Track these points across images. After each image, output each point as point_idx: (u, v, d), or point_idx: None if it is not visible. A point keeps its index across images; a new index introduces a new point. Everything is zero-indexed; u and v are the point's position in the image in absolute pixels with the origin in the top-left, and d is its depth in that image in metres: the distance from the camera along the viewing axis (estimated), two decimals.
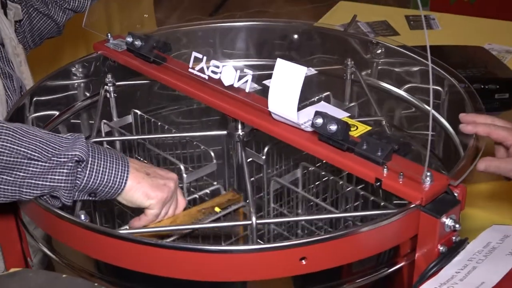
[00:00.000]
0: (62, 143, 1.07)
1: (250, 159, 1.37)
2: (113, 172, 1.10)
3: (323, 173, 1.31)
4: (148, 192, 1.11)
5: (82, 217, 1.02)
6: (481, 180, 1.52)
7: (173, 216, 1.16)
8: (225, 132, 1.33)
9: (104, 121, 1.45)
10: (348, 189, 1.31)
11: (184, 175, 1.28)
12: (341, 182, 1.30)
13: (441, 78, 1.40)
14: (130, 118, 1.50)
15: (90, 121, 1.50)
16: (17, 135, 1.04)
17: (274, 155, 1.43)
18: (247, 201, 1.15)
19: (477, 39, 2.10)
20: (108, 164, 1.10)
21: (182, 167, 1.29)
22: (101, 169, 1.09)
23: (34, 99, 1.39)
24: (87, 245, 1.01)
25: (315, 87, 1.56)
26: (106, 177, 1.09)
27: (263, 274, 0.96)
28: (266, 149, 1.35)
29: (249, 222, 1.06)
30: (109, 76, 1.46)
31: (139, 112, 1.48)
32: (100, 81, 1.50)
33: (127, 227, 1.16)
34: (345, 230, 0.99)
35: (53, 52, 2.33)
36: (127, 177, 1.10)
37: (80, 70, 1.51)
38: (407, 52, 1.49)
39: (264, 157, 1.34)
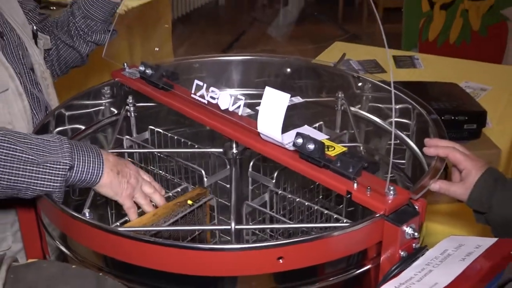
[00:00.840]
0: (51, 146, 1.13)
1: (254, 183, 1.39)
2: (89, 173, 1.16)
3: (288, 196, 1.33)
4: (116, 190, 1.19)
5: (87, 214, 1.08)
6: (442, 201, 1.55)
7: (154, 210, 1.22)
8: (221, 150, 1.35)
9: (127, 136, 1.50)
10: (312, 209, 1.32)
11: (205, 179, 1.33)
12: (306, 203, 1.30)
13: (413, 109, 1.42)
14: (147, 134, 1.53)
15: (117, 135, 1.52)
16: (14, 138, 1.10)
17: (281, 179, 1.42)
18: (230, 210, 1.20)
19: (456, 78, 2.11)
20: (87, 165, 1.16)
21: (203, 172, 1.34)
22: (80, 169, 1.15)
23: (59, 116, 1.41)
24: (93, 241, 1.04)
25: (310, 116, 1.56)
26: (83, 176, 1.15)
27: (245, 270, 0.98)
28: (275, 174, 1.35)
29: (229, 227, 1.10)
30: (130, 97, 1.51)
31: (155, 129, 1.51)
32: (120, 103, 1.54)
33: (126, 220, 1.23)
34: (318, 234, 1.00)
35: (82, 79, 2.37)
36: (100, 176, 1.17)
37: (104, 92, 1.54)
38: (385, 86, 1.50)
39: (274, 180, 1.35)
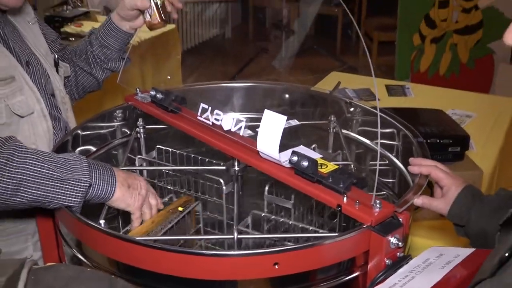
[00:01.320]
0: (72, 165, 1.18)
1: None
2: (104, 190, 1.20)
3: (272, 217, 1.36)
4: (128, 202, 1.23)
5: (102, 224, 1.12)
6: (429, 217, 1.56)
7: (152, 217, 1.27)
8: (223, 167, 1.37)
9: (139, 156, 1.53)
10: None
11: (224, 187, 1.36)
12: (291, 222, 1.34)
13: (399, 132, 1.43)
14: (154, 153, 1.55)
15: (130, 155, 1.54)
16: (40, 156, 1.15)
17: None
18: (233, 222, 1.21)
19: (443, 105, 2.13)
20: (102, 182, 1.20)
21: (222, 181, 1.37)
22: (97, 187, 1.19)
23: (76, 136, 1.43)
24: (108, 248, 1.07)
25: (306, 137, 1.57)
26: (99, 192, 1.20)
27: (244, 275, 1.01)
28: (293, 196, 1.36)
29: (232, 236, 1.12)
30: (140, 120, 1.53)
31: (163, 148, 1.54)
32: (131, 125, 1.56)
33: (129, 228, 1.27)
34: (311, 242, 1.03)
35: (98, 103, 2.39)
36: (114, 193, 1.21)
37: (116, 115, 1.55)
38: (373, 111, 1.50)
39: (292, 201, 1.36)
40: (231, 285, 1.03)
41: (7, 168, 1.11)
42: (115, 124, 1.55)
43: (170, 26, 3.32)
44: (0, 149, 1.13)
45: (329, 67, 2.85)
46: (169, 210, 1.31)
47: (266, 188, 1.36)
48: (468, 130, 2.00)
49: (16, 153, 1.13)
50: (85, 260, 1.14)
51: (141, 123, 1.54)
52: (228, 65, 5.12)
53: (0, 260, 0.94)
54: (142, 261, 1.03)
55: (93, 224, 1.08)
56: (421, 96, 2.50)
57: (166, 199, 1.43)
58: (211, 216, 1.51)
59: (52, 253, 1.29)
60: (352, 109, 1.56)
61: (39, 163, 1.14)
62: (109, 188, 1.20)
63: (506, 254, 0.75)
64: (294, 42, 5.27)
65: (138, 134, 1.54)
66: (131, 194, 1.23)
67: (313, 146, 1.53)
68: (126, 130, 1.58)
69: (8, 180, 1.11)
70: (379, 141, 1.09)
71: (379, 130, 1.10)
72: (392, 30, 4.21)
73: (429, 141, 1.67)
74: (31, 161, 1.13)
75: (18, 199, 1.13)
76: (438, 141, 1.71)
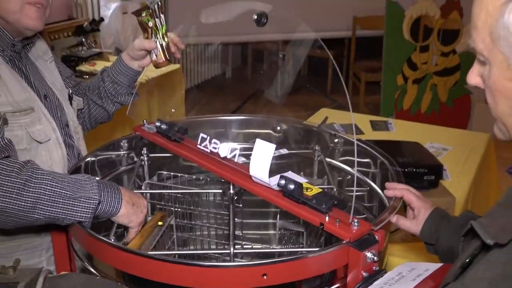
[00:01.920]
0: (83, 184, 1.22)
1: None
2: (112, 206, 1.24)
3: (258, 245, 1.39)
4: (131, 219, 1.27)
5: (112, 240, 1.16)
6: (403, 240, 1.57)
7: (141, 232, 1.31)
8: (220, 190, 1.40)
9: (146, 181, 1.56)
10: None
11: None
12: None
13: (378, 160, 1.47)
14: (155, 179, 1.58)
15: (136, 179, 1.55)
16: (55, 177, 1.19)
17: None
18: (229, 239, 1.23)
19: (422, 139, 2.15)
20: (110, 200, 1.24)
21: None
22: (105, 203, 1.23)
23: (87, 162, 1.46)
24: (116, 260, 1.09)
25: (294, 164, 1.60)
26: (107, 208, 1.23)
27: (237, 285, 1.02)
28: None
29: (228, 251, 1.16)
30: (145, 149, 1.56)
31: (164, 173, 1.58)
32: (136, 153, 1.58)
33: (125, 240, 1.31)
34: (297, 256, 1.05)
35: (108, 132, 2.40)
36: (120, 209, 1.25)
37: (123, 144, 1.58)
38: (360, 143, 1.53)
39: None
40: None
41: (26, 188, 1.15)
42: (122, 152, 1.58)
43: (175, 66, 3.35)
44: (20, 171, 1.17)
45: (321, 104, 2.89)
46: (152, 225, 1.36)
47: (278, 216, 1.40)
48: (444, 161, 2.03)
49: (34, 175, 1.18)
50: (94, 272, 1.16)
51: (145, 152, 1.56)
52: (227, 102, 5.14)
53: (19, 269, 0.96)
54: (147, 271, 1.05)
55: (105, 239, 1.11)
56: (402, 131, 2.53)
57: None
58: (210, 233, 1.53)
59: (65, 267, 1.31)
60: (336, 140, 1.59)
61: (54, 183, 1.18)
62: (116, 205, 1.24)
63: (467, 260, 0.79)
64: (288, 81, 5.31)
65: (143, 162, 1.56)
66: (134, 211, 1.27)
67: (301, 172, 1.55)
68: (133, 157, 1.60)
69: (26, 199, 1.15)
70: (356, 168, 1.12)
71: (355, 159, 1.14)
72: (378, 72, 4.24)
73: (406, 170, 1.70)
74: (47, 182, 1.18)
75: (35, 215, 1.17)
76: (414, 170, 1.72)
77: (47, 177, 1.19)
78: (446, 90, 4.11)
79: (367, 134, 2.48)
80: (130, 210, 1.26)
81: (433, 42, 4.00)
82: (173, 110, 3.00)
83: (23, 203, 1.16)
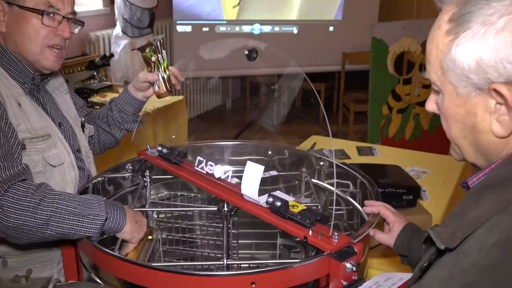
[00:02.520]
0: (91, 203, 1.25)
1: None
2: (117, 223, 1.27)
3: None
4: (134, 235, 1.30)
5: (117, 253, 1.18)
6: (384, 254, 1.57)
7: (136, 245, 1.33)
8: (215, 208, 1.41)
9: (150, 200, 1.58)
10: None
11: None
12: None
13: (358, 181, 1.49)
14: (156, 198, 1.60)
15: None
16: (66, 197, 1.23)
17: None
18: (225, 250, 1.24)
19: (403, 163, 2.15)
20: (115, 217, 1.26)
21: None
22: (111, 220, 1.26)
23: (95, 183, 1.48)
24: (119, 271, 1.11)
25: (284, 184, 1.63)
26: (113, 225, 1.26)
27: None
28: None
29: (222, 262, 1.17)
30: (147, 171, 1.57)
31: (165, 192, 1.60)
32: (140, 176, 1.59)
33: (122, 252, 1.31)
34: (283, 265, 1.06)
35: (117, 156, 2.39)
36: (124, 226, 1.28)
37: (127, 167, 1.59)
38: (341, 165, 1.55)
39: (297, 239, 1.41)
40: None
41: (40, 207, 1.19)
42: (127, 174, 1.59)
43: (179, 97, 3.38)
44: (34, 192, 1.21)
45: (313, 132, 2.91)
46: (143, 239, 1.38)
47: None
48: (424, 183, 2.06)
49: (47, 195, 1.21)
50: (100, 282, 1.17)
51: (147, 174, 1.58)
52: (226, 131, 5.17)
53: (31, 278, 0.98)
54: (147, 280, 1.06)
55: (110, 252, 1.14)
56: (385, 156, 2.54)
57: None
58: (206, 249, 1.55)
59: (73, 277, 1.32)
60: (321, 163, 1.61)
61: (65, 203, 1.22)
62: (121, 222, 1.27)
63: (425, 264, 0.82)
64: (282, 111, 5.38)
65: (146, 183, 1.58)
66: (137, 228, 1.29)
67: (290, 192, 1.57)
68: (137, 178, 1.61)
69: (40, 217, 1.19)
70: (335, 187, 1.14)
71: (335, 180, 1.17)
72: (365, 103, 4.25)
73: (386, 190, 1.70)
74: (58, 201, 1.21)
75: (48, 231, 1.20)
76: (394, 190, 1.72)
77: (58, 197, 1.23)
78: (427, 119, 4.10)
79: (353, 158, 2.49)
80: (133, 227, 1.29)
81: (415, 75, 4.02)
82: (173, 136, 3.02)
83: (36, 221, 1.19)
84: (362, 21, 4.87)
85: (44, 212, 1.20)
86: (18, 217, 1.19)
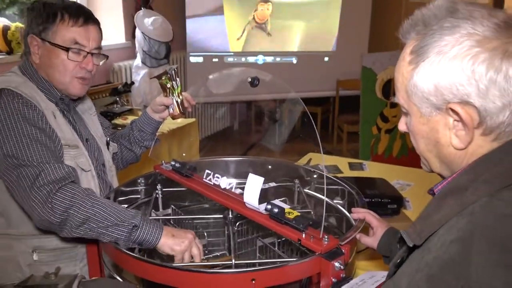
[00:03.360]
0: (127, 214, 1.25)
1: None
2: (152, 235, 1.24)
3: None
4: (172, 247, 1.25)
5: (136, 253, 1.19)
6: (369, 257, 1.57)
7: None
8: (221, 216, 1.43)
9: (161, 210, 1.57)
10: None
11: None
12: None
13: (346, 191, 1.50)
14: (169, 210, 1.59)
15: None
16: (106, 206, 1.24)
17: None
18: (231, 253, 1.25)
19: (389, 177, 2.16)
20: (150, 230, 1.24)
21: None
22: (145, 232, 1.23)
23: (116, 194, 1.50)
24: (136, 269, 1.12)
25: (278, 194, 1.60)
26: (147, 237, 1.23)
27: (231, 287, 1.06)
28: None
29: (230, 262, 1.17)
30: (159, 185, 1.57)
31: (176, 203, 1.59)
32: (152, 189, 1.59)
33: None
34: (280, 264, 1.09)
35: (138, 169, 2.41)
36: (159, 238, 1.24)
37: (143, 181, 1.59)
38: (331, 177, 1.56)
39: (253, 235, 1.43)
40: None
41: (82, 208, 1.21)
42: (140, 188, 1.58)
43: (192, 119, 3.40)
44: (81, 194, 1.23)
45: (310, 150, 2.93)
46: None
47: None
48: (408, 195, 2.05)
49: (90, 199, 1.24)
50: (119, 278, 1.18)
51: (159, 187, 1.57)
52: (233, 149, 5.19)
53: (59, 274, 1.00)
54: (160, 277, 1.08)
55: (127, 252, 1.15)
56: (374, 171, 2.54)
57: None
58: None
59: (96, 274, 1.33)
60: (315, 176, 1.62)
61: (103, 208, 1.24)
62: (155, 236, 1.24)
63: (398, 261, 0.84)
64: (283, 132, 5.42)
65: (157, 195, 1.57)
66: (175, 242, 1.25)
67: (287, 200, 1.58)
68: (150, 191, 1.60)
69: (80, 216, 1.21)
70: (325, 195, 1.16)
71: (325, 187, 1.19)
72: (357, 124, 4.26)
73: (373, 200, 1.71)
74: (98, 206, 1.23)
75: (81, 231, 1.23)
76: (380, 200, 1.73)
77: (99, 202, 1.25)
78: None
79: (345, 173, 2.49)
80: (170, 241, 1.24)
81: None
82: (184, 154, 3.04)
83: (76, 218, 1.22)
84: (354, 52, 4.91)
85: (83, 213, 1.22)
86: (63, 215, 1.21)
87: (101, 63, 1.50)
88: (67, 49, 1.39)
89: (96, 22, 1.45)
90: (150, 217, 1.43)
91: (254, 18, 4.97)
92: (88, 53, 1.43)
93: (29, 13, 1.41)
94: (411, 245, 0.78)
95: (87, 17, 1.41)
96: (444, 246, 0.70)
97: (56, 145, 1.35)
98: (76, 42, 1.40)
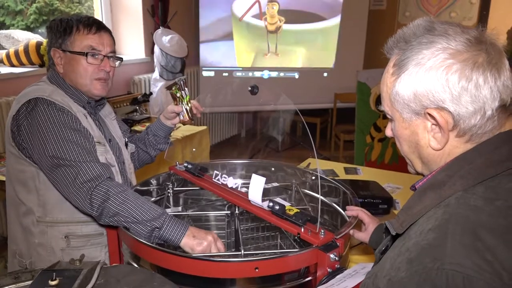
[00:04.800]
0: (153, 214, 1.23)
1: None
2: (174, 235, 1.23)
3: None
4: (192, 248, 1.23)
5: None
6: (362, 252, 1.56)
7: None
8: (229, 211, 1.44)
9: (172, 207, 1.53)
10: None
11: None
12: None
13: (341, 190, 1.49)
14: (180, 208, 1.55)
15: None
16: (134, 204, 1.24)
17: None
18: (239, 246, 1.24)
19: (381, 180, 2.16)
20: (172, 231, 1.23)
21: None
22: (167, 232, 1.23)
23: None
24: (152, 257, 1.13)
25: (280, 193, 1.62)
26: (169, 237, 1.23)
27: (236, 274, 1.06)
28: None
29: (240, 253, 1.15)
30: (170, 185, 1.55)
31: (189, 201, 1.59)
32: (163, 188, 1.58)
33: None
34: (280, 254, 1.10)
35: (154, 168, 2.39)
36: (181, 239, 1.23)
37: (155, 181, 1.57)
38: (325, 177, 1.56)
39: (257, 229, 1.44)
40: (230, 282, 1.08)
41: (114, 203, 1.23)
42: (151, 188, 1.57)
43: (203, 127, 3.41)
44: (115, 190, 1.26)
45: (309, 156, 2.94)
46: None
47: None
48: (397, 197, 2.04)
49: (122, 196, 1.25)
50: (135, 264, 1.19)
51: (170, 186, 1.57)
52: (241, 154, 5.19)
53: (83, 261, 1.01)
54: (173, 264, 1.08)
55: (143, 241, 1.15)
56: (367, 175, 2.53)
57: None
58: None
59: (116, 261, 1.34)
60: (313, 178, 1.62)
61: (134, 205, 1.24)
62: (177, 237, 1.23)
63: (383, 248, 0.85)
64: (285, 139, 5.42)
65: (169, 194, 1.56)
66: (195, 243, 1.23)
67: (287, 198, 1.58)
68: (161, 190, 1.59)
69: (112, 210, 1.24)
70: (320, 194, 1.15)
71: (319, 185, 1.19)
72: (352, 133, 4.27)
73: (366, 200, 1.72)
74: (127, 203, 1.25)
75: (115, 222, 1.24)
76: (372, 200, 1.74)
77: (131, 198, 1.25)
78: None
79: (341, 176, 2.48)
80: (190, 242, 1.23)
81: None
82: (194, 150, 3.05)
83: (109, 211, 1.24)
84: (350, 68, 4.94)
85: (115, 208, 1.24)
86: (100, 208, 1.24)
87: (117, 64, 1.52)
88: (85, 54, 1.42)
89: (108, 30, 1.48)
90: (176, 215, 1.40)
91: (265, 26, 4.97)
92: (104, 56, 1.45)
93: (49, 30, 1.45)
94: (394, 234, 0.79)
95: (99, 26, 1.44)
96: (423, 234, 0.72)
97: (90, 143, 1.37)
98: (92, 48, 1.43)
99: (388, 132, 0.91)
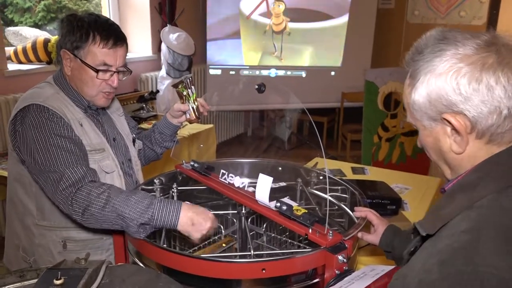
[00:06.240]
0: (139, 210, 1.20)
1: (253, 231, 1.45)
2: (168, 222, 1.21)
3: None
4: (190, 233, 1.22)
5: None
6: (370, 253, 1.54)
7: (204, 249, 1.29)
8: (235, 211, 1.42)
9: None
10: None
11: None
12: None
13: (349, 191, 1.48)
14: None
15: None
16: (119, 202, 1.21)
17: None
18: (248, 246, 1.23)
19: (390, 181, 2.15)
20: (166, 214, 1.20)
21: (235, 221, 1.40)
22: (158, 223, 1.20)
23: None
24: (157, 256, 1.12)
25: (285, 192, 1.57)
26: (164, 224, 1.21)
27: (244, 275, 1.05)
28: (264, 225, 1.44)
29: (249, 253, 1.16)
30: (175, 184, 1.51)
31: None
32: (168, 187, 1.55)
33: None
34: (288, 256, 1.09)
35: (161, 166, 2.37)
36: (177, 224, 1.21)
37: (161, 179, 1.54)
38: (333, 177, 1.55)
39: (263, 229, 1.44)
40: (236, 282, 1.06)
41: (97, 206, 1.21)
42: (155, 187, 1.55)
43: (210, 125, 3.41)
44: (96, 192, 1.23)
45: (316, 155, 2.92)
46: (218, 244, 1.34)
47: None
48: (406, 197, 2.02)
49: (105, 196, 1.23)
50: (141, 265, 1.18)
51: (175, 186, 1.53)
52: (247, 153, 5.20)
53: (88, 260, 1.00)
54: (180, 265, 1.07)
55: (148, 240, 1.15)
56: (375, 175, 2.51)
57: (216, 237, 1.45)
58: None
59: (122, 261, 1.34)
60: (321, 177, 1.61)
61: (124, 201, 1.22)
62: (172, 221, 1.21)
63: (412, 249, 0.85)
64: (292, 138, 5.40)
65: (173, 193, 1.54)
66: (192, 228, 1.22)
67: (287, 196, 1.54)
68: (166, 189, 1.56)
69: (97, 212, 1.21)
70: (328, 194, 1.14)
71: (327, 188, 1.17)
72: (359, 132, 4.25)
73: (374, 201, 1.70)
74: (112, 203, 1.22)
75: (104, 225, 1.22)
76: (380, 201, 1.73)
77: (115, 197, 1.24)
78: (411, 146, 4.08)
79: (348, 176, 2.46)
80: (188, 227, 1.21)
81: (401, 111, 4.02)
82: (201, 145, 3.03)
83: (95, 215, 1.22)
84: (358, 67, 4.91)
85: (100, 211, 1.22)
86: (85, 213, 1.22)
87: (124, 78, 1.49)
88: (96, 71, 1.39)
89: (124, 42, 1.43)
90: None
91: (271, 27, 4.96)
92: (114, 72, 1.42)
93: (62, 26, 1.40)
94: (424, 234, 0.80)
95: (116, 39, 1.38)
96: (455, 235, 0.72)
97: (80, 149, 1.36)
98: (105, 63, 1.39)
99: (418, 143, 0.93)
